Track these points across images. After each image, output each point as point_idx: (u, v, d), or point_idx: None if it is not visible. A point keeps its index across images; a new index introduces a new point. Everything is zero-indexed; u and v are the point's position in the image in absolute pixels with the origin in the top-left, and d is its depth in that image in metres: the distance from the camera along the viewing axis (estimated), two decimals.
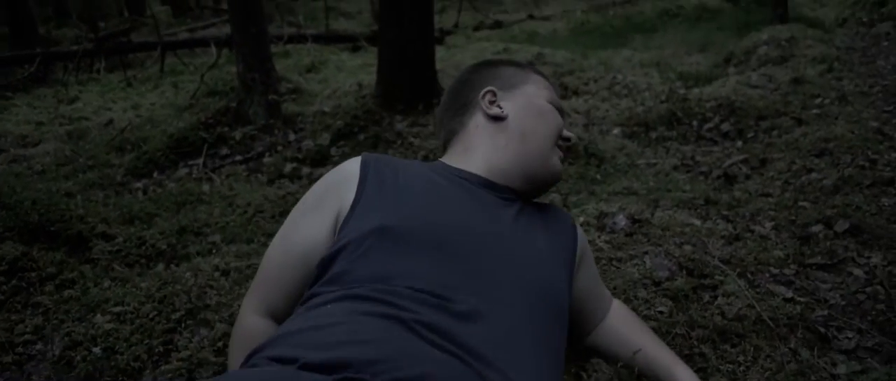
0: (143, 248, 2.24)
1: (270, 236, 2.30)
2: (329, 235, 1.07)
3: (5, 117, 5.07)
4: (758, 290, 1.60)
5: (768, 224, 2.00)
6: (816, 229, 1.93)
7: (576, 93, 4.70)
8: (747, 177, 2.72)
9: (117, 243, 2.25)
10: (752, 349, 1.35)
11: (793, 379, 1.26)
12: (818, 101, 3.70)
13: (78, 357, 1.47)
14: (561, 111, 1.29)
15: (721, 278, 1.63)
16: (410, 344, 0.82)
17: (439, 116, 1.35)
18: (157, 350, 1.48)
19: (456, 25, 9.91)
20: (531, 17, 10.88)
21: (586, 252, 1.28)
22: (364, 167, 1.11)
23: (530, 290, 1.01)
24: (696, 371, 1.23)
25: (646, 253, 1.74)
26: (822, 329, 1.44)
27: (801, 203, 2.20)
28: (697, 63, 5.86)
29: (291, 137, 3.79)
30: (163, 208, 2.74)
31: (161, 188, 3.20)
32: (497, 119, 1.23)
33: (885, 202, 2.14)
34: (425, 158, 3.27)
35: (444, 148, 1.31)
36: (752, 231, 1.96)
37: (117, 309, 1.61)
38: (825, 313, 1.51)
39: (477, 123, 1.25)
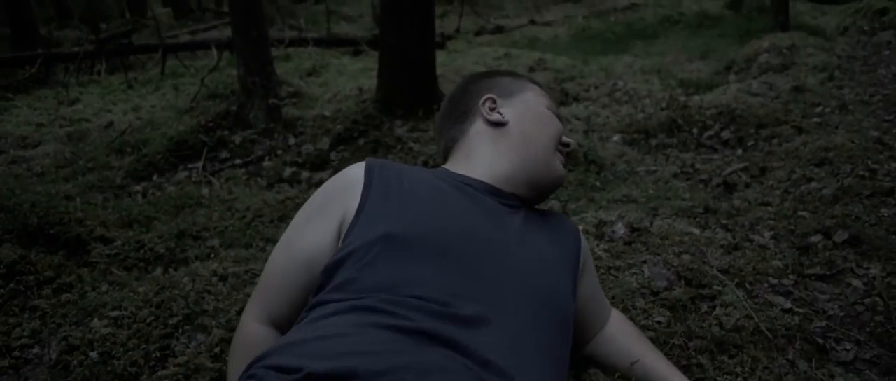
0: (142, 252, 2.23)
1: (269, 240, 2.30)
2: (333, 241, 1.07)
3: (6, 118, 5.07)
4: (756, 300, 1.59)
5: (767, 234, 2.00)
6: (816, 239, 1.92)
7: (576, 99, 4.71)
8: (747, 185, 2.72)
9: (116, 246, 2.25)
10: (749, 360, 1.35)
11: None
12: (819, 109, 3.70)
13: (75, 362, 1.47)
14: (559, 118, 1.29)
15: (719, 287, 1.63)
16: (417, 355, 0.82)
17: (439, 126, 1.35)
18: (153, 356, 1.48)
19: (457, 30, 9.92)
20: (533, 22, 10.90)
21: (589, 260, 1.28)
22: (368, 173, 1.10)
23: (535, 297, 1.00)
24: None
25: (644, 262, 1.74)
26: (821, 341, 1.44)
27: (800, 213, 2.19)
28: (698, 70, 5.87)
29: (291, 141, 3.79)
30: (162, 211, 2.74)
31: (160, 191, 3.20)
32: (498, 125, 1.23)
33: (885, 213, 2.13)
34: (425, 164, 3.27)
35: (445, 157, 1.31)
36: (752, 241, 1.95)
37: (115, 314, 1.61)
38: (823, 324, 1.51)
39: (478, 130, 1.25)
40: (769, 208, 2.31)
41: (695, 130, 3.58)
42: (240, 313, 1.57)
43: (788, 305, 1.58)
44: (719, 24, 8.74)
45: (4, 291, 1.79)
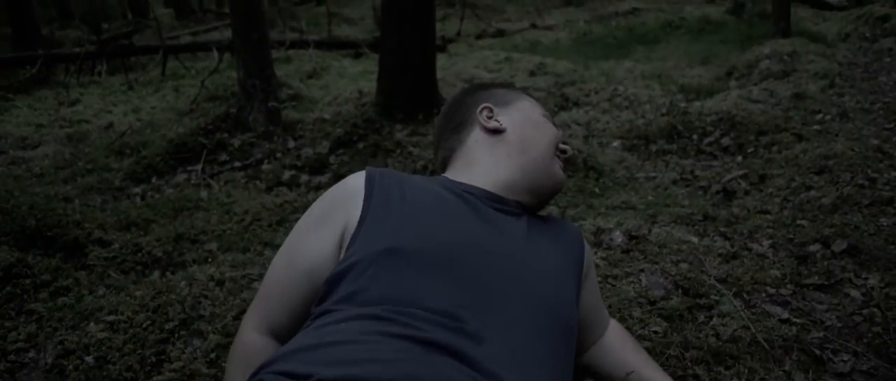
0: (139, 255, 2.23)
1: (267, 244, 2.30)
2: (335, 251, 1.06)
3: (6, 119, 5.08)
4: (753, 310, 1.59)
5: (766, 242, 2.00)
6: (814, 248, 1.92)
7: (576, 104, 4.71)
8: (746, 193, 2.72)
9: (113, 249, 2.25)
10: (746, 371, 1.34)
11: None
12: (819, 117, 3.70)
13: (70, 366, 1.46)
14: (555, 125, 1.29)
15: (717, 297, 1.63)
16: (427, 365, 0.81)
17: (436, 138, 1.35)
18: (149, 361, 1.47)
19: (458, 34, 9.93)
20: (534, 26, 10.91)
21: (591, 267, 1.28)
22: (369, 182, 1.10)
23: (540, 307, 1.00)
24: None
25: (642, 271, 1.73)
26: (818, 352, 1.43)
27: (799, 221, 2.19)
28: (699, 76, 5.87)
29: (291, 144, 3.79)
30: (160, 214, 2.74)
31: (159, 194, 3.20)
32: (496, 132, 1.23)
33: (884, 222, 2.13)
34: (424, 168, 3.26)
35: (443, 167, 1.31)
36: (750, 249, 1.95)
37: (111, 318, 1.61)
38: (821, 335, 1.51)
39: (476, 139, 1.25)
40: (768, 217, 2.30)
41: (695, 137, 3.58)
42: (236, 318, 1.57)
43: (786, 315, 1.57)
44: (720, 29, 8.75)
45: (1, 294, 1.79)
